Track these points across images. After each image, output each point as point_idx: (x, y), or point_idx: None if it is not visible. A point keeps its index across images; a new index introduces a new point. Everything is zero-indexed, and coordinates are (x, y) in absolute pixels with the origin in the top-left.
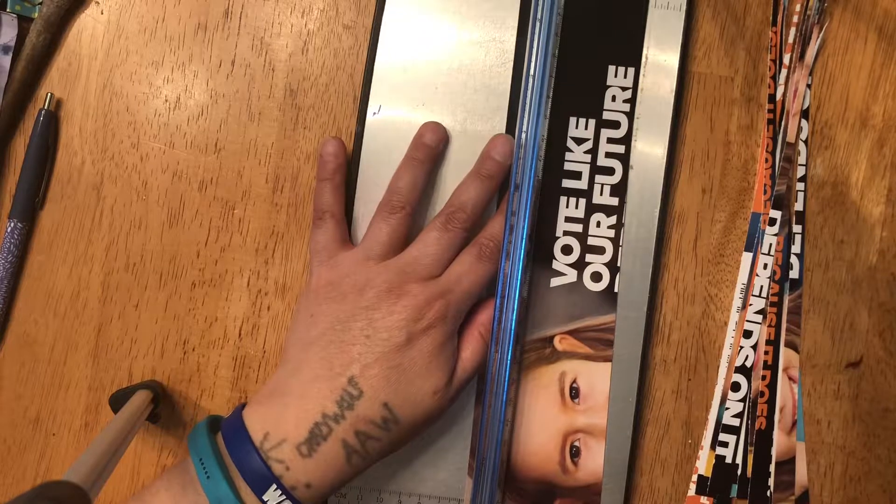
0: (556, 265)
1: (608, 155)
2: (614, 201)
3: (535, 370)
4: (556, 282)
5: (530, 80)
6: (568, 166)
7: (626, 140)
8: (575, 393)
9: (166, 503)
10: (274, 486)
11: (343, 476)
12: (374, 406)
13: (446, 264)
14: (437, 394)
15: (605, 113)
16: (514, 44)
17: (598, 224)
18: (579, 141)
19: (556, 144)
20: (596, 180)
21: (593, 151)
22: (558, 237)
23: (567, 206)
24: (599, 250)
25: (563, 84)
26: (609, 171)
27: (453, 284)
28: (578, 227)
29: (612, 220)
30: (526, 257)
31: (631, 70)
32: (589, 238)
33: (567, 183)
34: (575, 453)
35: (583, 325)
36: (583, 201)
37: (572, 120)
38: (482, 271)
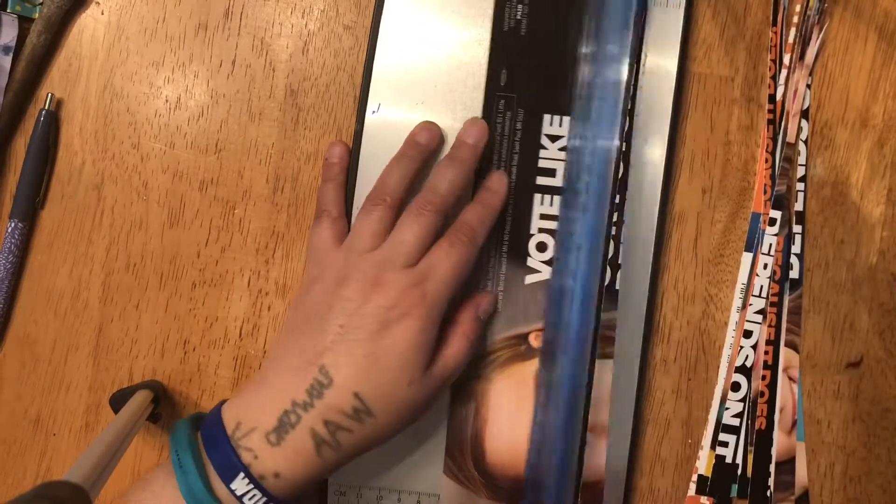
0: (530, 262)
1: None
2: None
3: (509, 367)
4: (530, 279)
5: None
6: (542, 163)
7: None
8: None
9: (150, 500)
10: (242, 475)
11: (314, 468)
12: (344, 395)
13: (424, 252)
14: (412, 385)
15: None
16: None
17: None
18: (554, 139)
19: (530, 142)
20: None
21: None
22: (532, 234)
23: (542, 203)
24: None
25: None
26: None
27: (428, 272)
28: (553, 224)
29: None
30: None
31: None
32: None
33: (541, 180)
34: None
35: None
36: (557, 198)
37: (546, 117)
38: (455, 257)
